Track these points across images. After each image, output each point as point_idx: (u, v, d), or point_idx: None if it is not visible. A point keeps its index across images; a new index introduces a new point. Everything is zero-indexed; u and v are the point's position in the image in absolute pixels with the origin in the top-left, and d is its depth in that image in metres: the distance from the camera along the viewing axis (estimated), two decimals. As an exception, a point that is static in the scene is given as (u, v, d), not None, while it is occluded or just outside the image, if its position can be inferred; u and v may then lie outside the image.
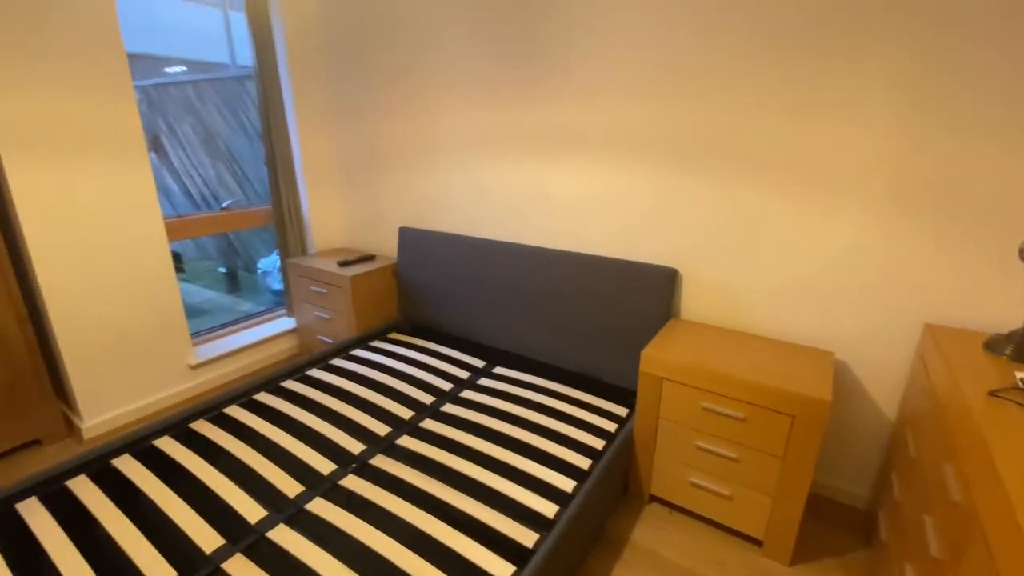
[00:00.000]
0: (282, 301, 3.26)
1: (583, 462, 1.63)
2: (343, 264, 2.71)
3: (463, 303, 2.52)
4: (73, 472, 1.58)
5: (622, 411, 1.93)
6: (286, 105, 2.75)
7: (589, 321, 2.12)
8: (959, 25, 1.34)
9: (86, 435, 2.21)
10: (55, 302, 2.03)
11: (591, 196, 2.11)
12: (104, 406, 2.25)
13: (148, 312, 2.33)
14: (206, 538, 1.33)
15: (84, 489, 1.51)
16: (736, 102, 1.70)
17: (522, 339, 2.35)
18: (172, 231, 2.41)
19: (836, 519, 1.82)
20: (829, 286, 1.69)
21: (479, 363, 2.32)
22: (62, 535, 1.33)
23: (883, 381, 1.67)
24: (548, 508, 1.43)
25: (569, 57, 2.00)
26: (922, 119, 1.44)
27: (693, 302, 1.98)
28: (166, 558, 1.27)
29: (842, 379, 1.74)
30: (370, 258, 2.85)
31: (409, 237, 2.69)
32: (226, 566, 1.25)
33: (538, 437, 1.75)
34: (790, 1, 1.54)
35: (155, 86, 3.72)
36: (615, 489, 1.78)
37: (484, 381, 2.16)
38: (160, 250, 2.33)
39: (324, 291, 2.71)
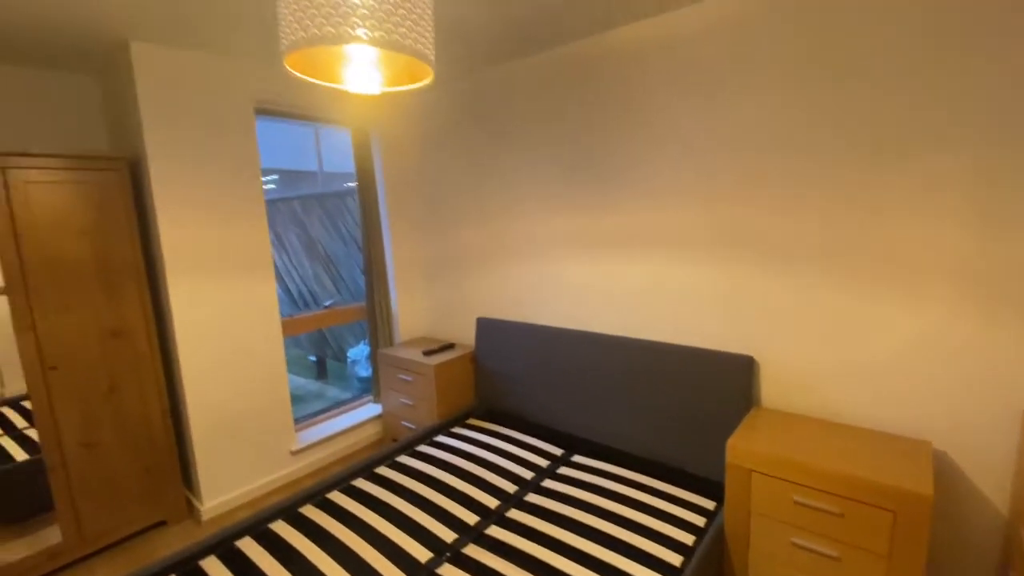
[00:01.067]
0: (368, 388, 3.52)
1: (674, 558, 1.62)
2: (427, 353, 2.94)
3: (538, 389, 2.64)
4: (204, 553, 1.78)
5: (709, 504, 1.90)
6: (382, 216, 3.18)
7: (666, 409, 2.16)
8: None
9: (204, 516, 2.44)
10: (193, 395, 2.37)
11: (661, 287, 2.25)
12: (220, 489, 2.50)
13: (263, 403, 2.63)
14: (323, 621, 1.44)
15: (214, 568, 1.69)
16: (815, 203, 1.81)
17: (598, 426, 2.41)
18: (285, 328, 2.77)
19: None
20: (922, 374, 1.68)
21: (557, 451, 2.39)
22: None
23: (989, 472, 1.58)
24: (642, 606, 1.43)
25: (638, 172, 2.24)
26: (1001, 211, 1.49)
27: (775, 390, 2.00)
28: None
29: (943, 471, 1.66)
30: (450, 346, 3.07)
31: (486, 326, 2.90)
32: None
33: (625, 531, 1.76)
34: (856, 113, 1.71)
35: (270, 201, 4.41)
36: (709, 587, 1.73)
37: (564, 470, 2.21)
38: (276, 347, 2.67)
39: (410, 379, 2.93)
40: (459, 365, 2.92)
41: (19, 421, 2.25)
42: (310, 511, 2.00)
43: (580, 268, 2.52)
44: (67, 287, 2.08)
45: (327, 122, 2.95)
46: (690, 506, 1.89)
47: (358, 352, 4.03)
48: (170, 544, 2.31)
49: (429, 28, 0.97)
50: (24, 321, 1.99)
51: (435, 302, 3.33)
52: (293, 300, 4.24)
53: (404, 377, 2.97)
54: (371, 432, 3.21)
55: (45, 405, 2.06)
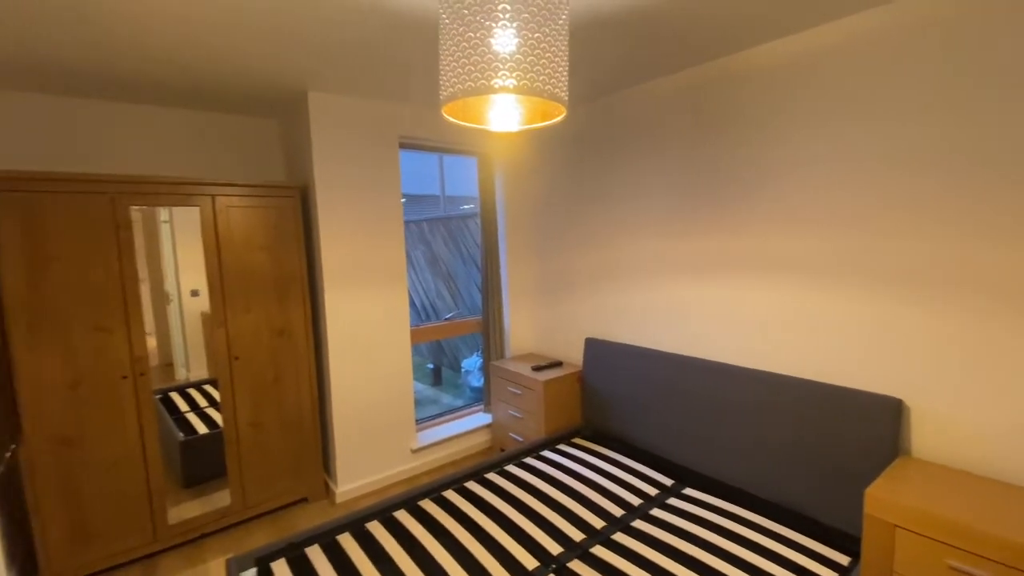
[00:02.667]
0: (479, 397, 3.71)
1: (797, 610, 1.50)
2: (536, 369, 3.05)
3: (647, 415, 2.59)
4: (340, 530, 2.03)
5: (842, 559, 1.72)
6: (500, 238, 3.39)
7: (792, 449, 2.01)
8: None
9: (338, 499, 2.76)
10: (337, 389, 2.72)
11: (791, 316, 2.11)
12: (351, 477, 2.82)
13: (391, 401, 2.93)
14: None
15: (348, 544, 1.92)
16: (987, 226, 1.62)
17: (713, 460, 2.29)
18: (412, 336, 3.07)
19: None
20: None
21: (667, 481, 2.32)
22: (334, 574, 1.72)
23: None
24: (759, 654, 1.35)
25: (766, 195, 2.16)
26: None
27: (928, 439, 1.76)
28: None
29: None
30: (558, 364, 3.14)
31: (595, 347, 2.93)
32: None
33: (740, 572, 1.67)
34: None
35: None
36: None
37: (674, 501, 2.14)
38: (405, 352, 2.97)
39: (519, 392, 3.05)
40: (567, 383, 2.98)
41: (201, 401, 2.76)
42: (428, 505, 2.18)
43: (697, 292, 2.45)
44: (250, 292, 2.54)
45: (458, 152, 3.24)
46: (819, 558, 1.73)
47: (471, 363, 4.28)
48: (311, 519, 2.65)
49: (564, 72, 1.08)
50: (219, 317, 2.47)
51: (544, 320, 3.44)
52: (417, 312, 4.64)
53: (514, 390, 3.10)
54: (481, 440, 3.38)
55: (228, 388, 2.51)
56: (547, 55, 1.01)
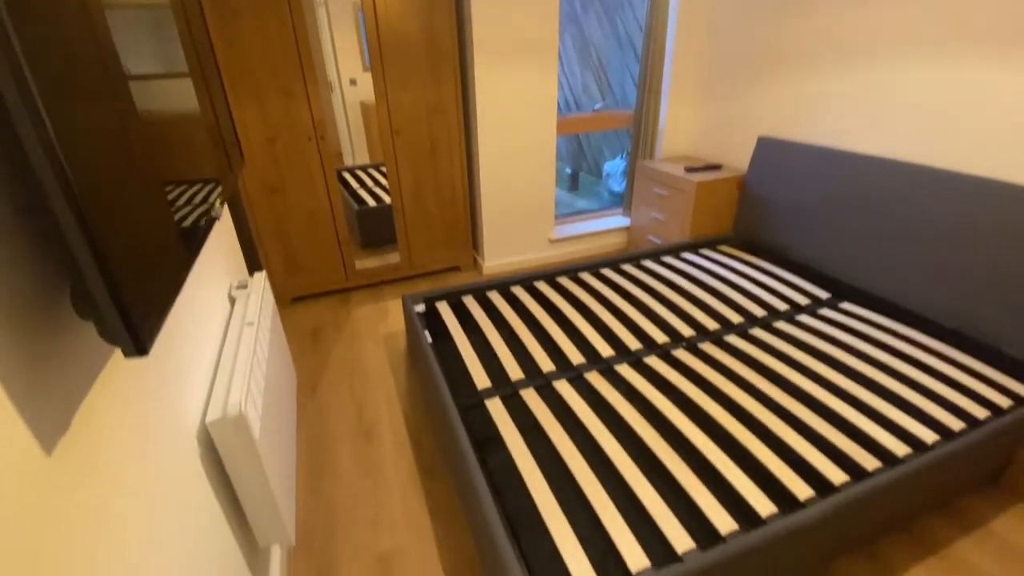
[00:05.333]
0: (619, 202, 3.62)
1: (954, 422, 1.41)
2: (689, 170, 2.80)
3: (815, 226, 2.30)
4: (489, 288, 2.29)
5: (1022, 389, 1.53)
6: (670, 14, 2.83)
7: (995, 272, 1.66)
8: None
9: (485, 271, 3.10)
10: (485, 169, 2.82)
11: (1072, 108, 1.54)
12: (496, 255, 3.09)
13: (533, 189, 2.98)
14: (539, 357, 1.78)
15: (496, 299, 2.18)
16: None
17: (884, 280, 2.02)
18: (559, 127, 2.94)
19: None
20: None
21: (823, 294, 2.15)
22: (458, 326, 1.99)
23: None
24: (897, 446, 1.33)
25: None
26: None
27: None
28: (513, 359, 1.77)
29: None
30: (716, 167, 2.84)
31: (767, 148, 2.54)
32: (523, 392, 1.66)
33: (894, 381, 1.58)
34: None
35: None
36: (986, 466, 1.49)
37: (827, 312, 2.01)
38: (550, 140, 2.89)
39: (665, 193, 2.89)
40: (723, 188, 2.72)
41: (368, 181, 3.07)
42: (565, 281, 2.33)
43: (919, 76, 1.88)
44: (406, 68, 2.54)
45: None
46: (993, 384, 1.55)
47: (613, 166, 4.08)
48: (463, 281, 3.04)
49: None
50: (380, 90, 2.55)
51: (709, 116, 3.01)
52: (559, 108, 4.37)
53: (660, 191, 2.94)
54: (617, 240, 3.40)
55: (392, 159, 2.72)
56: None
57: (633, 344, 1.83)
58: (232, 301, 1.47)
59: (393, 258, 2.99)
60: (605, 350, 1.80)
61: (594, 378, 1.65)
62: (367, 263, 2.95)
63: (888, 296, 2.03)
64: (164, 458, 0.80)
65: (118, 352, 0.72)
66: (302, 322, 2.62)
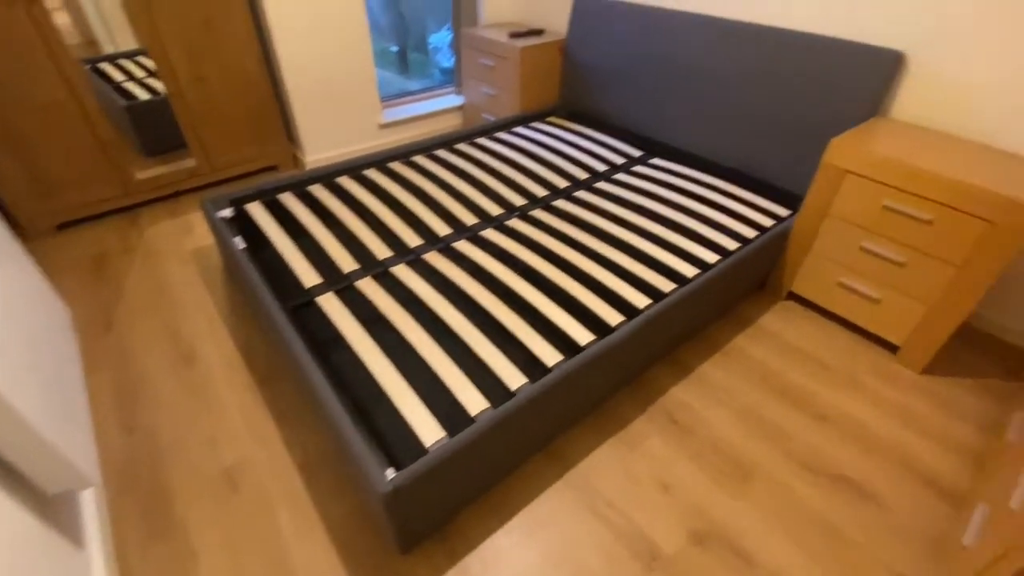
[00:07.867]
0: (450, 79, 3.40)
1: (730, 243, 1.68)
2: (513, 35, 2.68)
3: (630, 87, 2.42)
4: (311, 181, 2.05)
5: (783, 211, 1.87)
6: None
7: (772, 115, 1.93)
8: None
9: (307, 167, 2.76)
10: (283, 48, 2.37)
11: (818, -47, 1.73)
12: (319, 147, 2.75)
13: (349, 68, 2.62)
14: (377, 247, 1.72)
15: (320, 192, 1.97)
16: None
17: (687, 133, 2.25)
18: (364, -14, 2.53)
19: (983, 348, 1.73)
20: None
21: (636, 152, 2.32)
22: (277, 226, 1.80)
23: None
24: (688, 270, 1.56)
25: None
26: None
27: (912, 99, 1.68)
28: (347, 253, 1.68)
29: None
30: (539, 32, 2.76)
31: (584, 8, 2.51)
32: (359, 283, 1.62)
33: (687, 218, 1.81)
34: None
35: None
36: (754, 275, 1.84)
37: (639, 168, 2.19)
38: (359, 8, 2.50)
39: (492, 64, 2.76)
40: (546, 53, 2.67)
41: (137, 72, 2.41)
42: (397, 166, 2.18)
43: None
44: None
45: None
46: (762, 210, 1.88)
47: (440, 38, 3.76)
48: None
49: None
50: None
51: (527, -24, 2.85)
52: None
53: (486, 62, 2.80)
54: (452, 122, 3.24)
55: (156, 38, 2.14)
56: None
57: (470, 220, 1.82)
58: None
59: (189, 163, 2.49)
60: (443, 229, 1.76)
61: (433, 258, 1.62)
62: (153, 172, 2.42)
63: (688, 148, 2.27)
64: None
65: None
66: (76, 251, 2.12)
